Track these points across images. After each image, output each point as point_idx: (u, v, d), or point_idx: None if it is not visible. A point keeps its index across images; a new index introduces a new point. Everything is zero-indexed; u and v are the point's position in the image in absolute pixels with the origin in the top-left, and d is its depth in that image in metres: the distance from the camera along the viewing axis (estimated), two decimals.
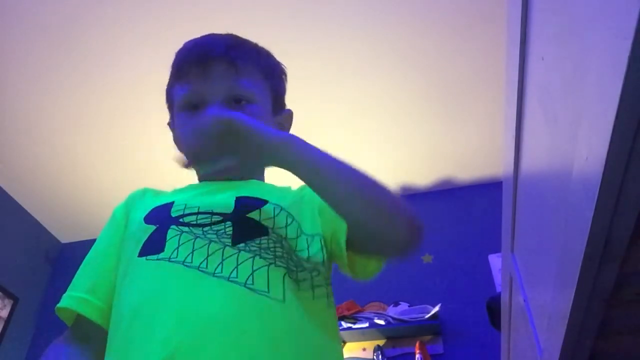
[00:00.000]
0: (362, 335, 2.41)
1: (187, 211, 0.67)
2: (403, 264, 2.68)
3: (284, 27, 2.15)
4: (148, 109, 2.54)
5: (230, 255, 0.60)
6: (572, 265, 0.57)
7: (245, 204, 0.68)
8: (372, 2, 2.08)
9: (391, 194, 0.67)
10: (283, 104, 0.86)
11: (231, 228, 0.64)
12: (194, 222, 0.65)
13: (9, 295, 2.87)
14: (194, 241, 0.62)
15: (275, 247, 0.63)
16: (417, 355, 2.27)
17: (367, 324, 2.38)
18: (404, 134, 2.66)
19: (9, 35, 2.20)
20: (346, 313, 2.44)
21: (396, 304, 2.44)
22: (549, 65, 0.68)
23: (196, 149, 0.63)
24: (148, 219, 0.69)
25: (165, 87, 0.83)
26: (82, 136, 2.68)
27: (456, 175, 2.91)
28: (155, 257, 0.61)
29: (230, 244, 0.62)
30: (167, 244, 0.62)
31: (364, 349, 2.43)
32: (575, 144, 0.52)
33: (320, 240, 0.68)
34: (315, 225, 0.69)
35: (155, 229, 0.66)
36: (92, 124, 2.61)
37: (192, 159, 0.67)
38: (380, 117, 2.56)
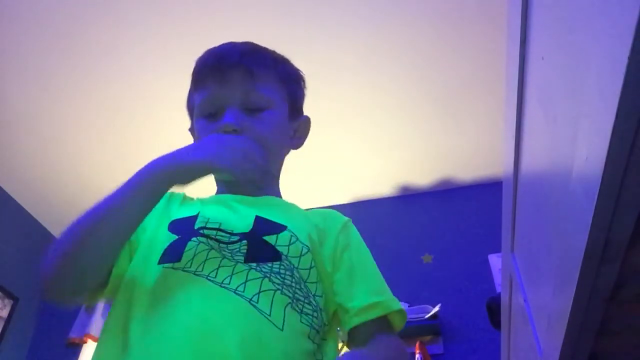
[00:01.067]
0: None
1: (209, 225, 0.69)
2: (403, 264, 2.68)
3: (283, 26, 2.15)
4: (149, 108, 2.54)
5: (241, 271, 0.62)
6: (572, 265, 0.57)
7: (264, 226, 0.69)
8: (372, 1, 2.08)
9: None
10: (301, 110, 0.88)
11: (246, 247, 0.65)
12: (213, 236, 0.67)
13: (9, 295, 2.87)
14: (209, 252, 0.64)
15: (285, 274, 0.63)
16: (417, 355, 2.26)
17: None
18: (404, 134, 2.66)
19: (9, 34, 2.20)
20: None
21: None
22: (549, 65, 0.68)
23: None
24: (172, 228, 0.70)
25: (187, 95, 0.86)
26: (84, 136, 2.68)
27: (456, 175, 2.91)
28: (171, 265, 0.63)
29: (242, 261, 0.63)
30: (184, 254, 0.64)
31: None
32: (575, 144, 0.52)
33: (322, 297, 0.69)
34: (328, 278, 0.70)
35: (177, 239, 0.67)
36: (93, 124, 2.61)
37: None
38: (380, 117, 2.56)
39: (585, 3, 0.49)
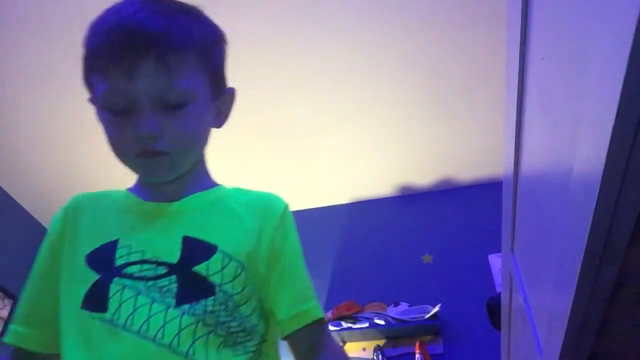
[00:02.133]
0: (362, 335, 2.41)
1: (131, 258, 0.63)
2: (403, 264, 2.69)
3: (282, 26, 2.15)
4: None
5: (173, 319, 0.58)
6: (572, 265, 0.57)
7: (192, 253, 0.64)
8: (373, 1, 2.08)
9: None
10: (223, 83, 0.74)
11: (175, 285, 0.61)
12: (138, 274, 0.62)
13: (9, 295, 2.87)
14: (136, 299, 0.60)
15: (220, 309, 0.61)
16: (417, 355, 2.27)
17: (367, 324, 2.38)
18: (404, 134, 2.66)
19: (9, 34, 2.20)
20: (346, 313, 2.44)
21: (396, 304, 2.44)
22: (549, 66, 0.68)
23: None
24: (90, 261, 0.65)
25: (82, 62, 0.69)
26: (84, 137, 2.68)
27: (456, 175, 2.91)
28: (99, 316, 0.59)
29: (173, 304, 0.59)
30: (110, 302, 0.60)
31: (364, 349, 2.43)
32: (576, 144, 0.52)
33: (260, 311, 0.68)
34: (264, 288, 0.69)
35: (98, 280, 0.62)
36: (92, 123, 2.60)
37: (124, 164, 0.70)
38: (380, 117, 2.56)
39: (585, 3, 0.49)
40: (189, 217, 0.69)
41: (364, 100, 2.48)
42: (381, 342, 2.41)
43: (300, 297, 0.70)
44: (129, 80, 0.61)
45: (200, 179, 0.75)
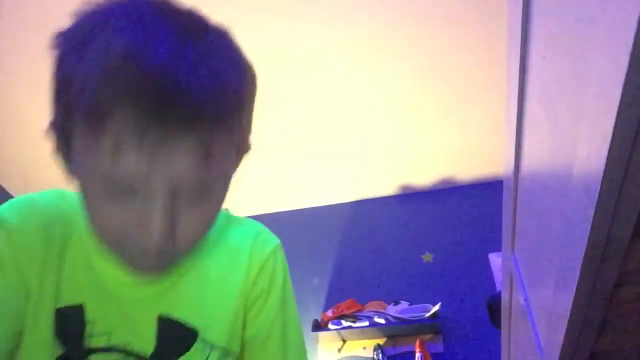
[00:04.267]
0: (362, 334, 2.41)
1: (97, 342, 0.50)
2: (403, 263, 2.69)
3: (282, 24, 2.14)
4: None
5: None
6: (572, 265, 0.57)
7: (170, 342, 0.53)
8: (373, 1, 2.08)
9: None
10: (247, 138, 0.55)
11: None
12: None
13: None
14: None
15: None
16: (418, 354, 2.27)
17: (367, 323, 2.38)
18: (404, 134, 2.66)
19: (12, 35, 2.20)
20: (346, 312, 2.44)
21: (396, 303, 2.45)
22: (549, 65, 0.68)
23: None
24: (57, 327, 0.49)
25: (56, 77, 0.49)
26: None
27: (457, 174, 2.91)
28: None
29: None
30: None
31: (364, 348, 2.43)
32: (576, 143, 0.53)
33: None
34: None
35: (61, 356, 0.49)
36: None
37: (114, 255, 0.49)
38: (380, 116, 2.56)
39: (585, 3, 0.49)
40: (167, 295, 0.55)
41: (364, 100, 2.48)
42: (381, 341, 2.41)
43: None
44: (152, 161, 0.42)
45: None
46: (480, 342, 2.27)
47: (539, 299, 0.89)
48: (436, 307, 2.34)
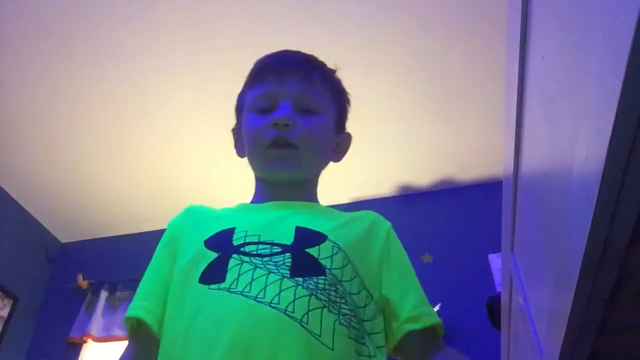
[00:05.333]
0: None
1: (248, 239, 0.68)
2: None
3: (281, 26, 2.15)
4: (151, 109, 2.54)
5: (288, 288, 0.61)
6: (572, 265, 0.57)
7: (305, 238, 0.69)
8: (372, 1, 2.08)
9: None
10: (344, 127, 0.91)
11: (290, 260, 0.65)
12: (255, 252, 0.66)
13: (9, 295, 2.87)
14: (254, 271, 0.63)
15: (330, 289, 0.63)
16: None
17: None
18: (404, 134, 2.66)
19: (14, 39, 2.20)
20: None
21: None
22: (549, 65, 0.68)
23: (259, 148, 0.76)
24: (209, 244, 0.69)
25: (237, 96, 0.89)
26: (83, 136, 2.68)
27: (456, 175, 2.91)
28: (216, 286, 0.62)
29: (288, 275, 0.63)
30: (228, 273, 0.63)
31: None
32: (575, 143, 0.52)
33: (376, 307, 0.69)
34: (375, 285, 0.71)
35: (217, 257, 0.66)
36: (93, 123, 2.61)
37: (255, 161, 0.80)
38: (380, 116, 2.56)
39: (585, 3, 0.49)
40: (301, 213, 0.75)
41: (364, 100, 2.48)
42: None
43: (421, 300, 0.72)
44: (278, 86, 0.79)
45: (311, 196, 0.85)
46: (479, 343, 2.26)
47: (538, 300, 0.89)
48: (436, 308, 2.34)
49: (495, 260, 2.44)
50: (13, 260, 2.98)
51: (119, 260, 3.03)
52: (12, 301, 2.88)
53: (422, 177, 2.92)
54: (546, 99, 0.70)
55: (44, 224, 3.24)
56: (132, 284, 2.81)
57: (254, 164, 0.83)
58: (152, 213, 2.95)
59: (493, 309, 1.75)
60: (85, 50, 2.25)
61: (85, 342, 2.75)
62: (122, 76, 2.36)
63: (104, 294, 2.90)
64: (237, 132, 0.89)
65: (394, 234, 0.82)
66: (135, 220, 3.10)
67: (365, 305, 0.67)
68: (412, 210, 2.90)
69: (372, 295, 0.69)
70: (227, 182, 2.61)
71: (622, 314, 0.64)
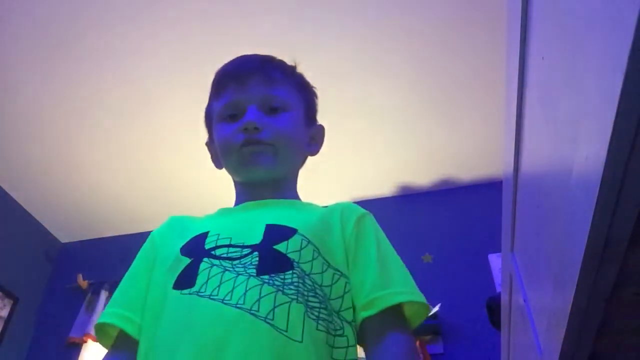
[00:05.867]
0: None
1: (219, 242, 0.69)
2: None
3: (281, 28, 2.15)
4: (150, 110, 2.54)
5: (254, 287, 0.62)
6: (572, 265, 0.57)
7: (274, 235, 0.69)
8: (371, 2, 2.08)
9: None
10: (315, 119, 0.91)
11: (257, 259, 0.65)
12: (225, 255, 0.67)
13: (9, 295, 2.87)
14: (223, 274, 0.64)
15: (298, 282, 0.63)
16: None
17: None
18: (404, 134, 2.66)
19: (13, 41, 2.20)
20: None
21: None
22: (549, 65, 0.68)
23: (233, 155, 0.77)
24: (184, 250, 0.71)
25: (205, 109, 0.89)
26: (83, 137, 2.68)
27: (456, 175, 2.91)
28: (187, 291, 0.64)
29: (254, 274, 0.63)
30: (197, 277, 0.65)
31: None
32: (575, 143, 0.52)
33: (345, 284, 0.69)
34: (342, 264, 0.71)
35: (189, 262, 0.68)
36: (93, 124, 2.61)
37: (230, 166, 0.80)
38: (380, 116, 2.56)
39: (585, 3, 0.49)
40: (275, 210, 0.76)
41: (364, 101, 2.48)
42: None
43: (382, 282, 0.69)
44: (241, 92, 0.80)
45: (290, 193, 0.86)
46: (480, 343, 2.26)
47: (538, 300, 0.89)
48: (436, 308, 2.34)
49: (495, 260, 2.45)
50: (13, 260, 2.98)
51: (119, 260, 3.02)
52: (12, 301, 2.88)
53: (422, 177, 2.92)
54: (546, 99, 0.70)
55: (44, 224, 3.24)
56: None
57: (230, 169, 0.84)
58: (152, 213, 2.95)
59: (493, 309, 1.75)
60: (85, 51, 2.25)
61: (85, 342, 2.75)
62: (122, 76, 2.36)
63: (104, 294, 2.91)
64: (210, 144, 0.90)
65: (369, 221, 0.79)
66: (135, 220, 3.10)
67: (333, 284, 0.67)
68: (412, 210, 2.90)
69: (340, 272, 0.69)
70: (227, 183, 2.61)
71: (622, 314, 0.64)
